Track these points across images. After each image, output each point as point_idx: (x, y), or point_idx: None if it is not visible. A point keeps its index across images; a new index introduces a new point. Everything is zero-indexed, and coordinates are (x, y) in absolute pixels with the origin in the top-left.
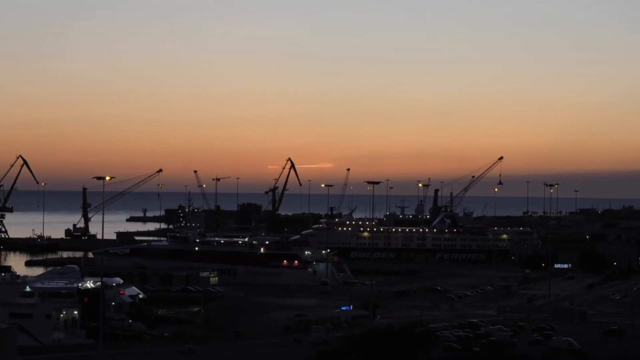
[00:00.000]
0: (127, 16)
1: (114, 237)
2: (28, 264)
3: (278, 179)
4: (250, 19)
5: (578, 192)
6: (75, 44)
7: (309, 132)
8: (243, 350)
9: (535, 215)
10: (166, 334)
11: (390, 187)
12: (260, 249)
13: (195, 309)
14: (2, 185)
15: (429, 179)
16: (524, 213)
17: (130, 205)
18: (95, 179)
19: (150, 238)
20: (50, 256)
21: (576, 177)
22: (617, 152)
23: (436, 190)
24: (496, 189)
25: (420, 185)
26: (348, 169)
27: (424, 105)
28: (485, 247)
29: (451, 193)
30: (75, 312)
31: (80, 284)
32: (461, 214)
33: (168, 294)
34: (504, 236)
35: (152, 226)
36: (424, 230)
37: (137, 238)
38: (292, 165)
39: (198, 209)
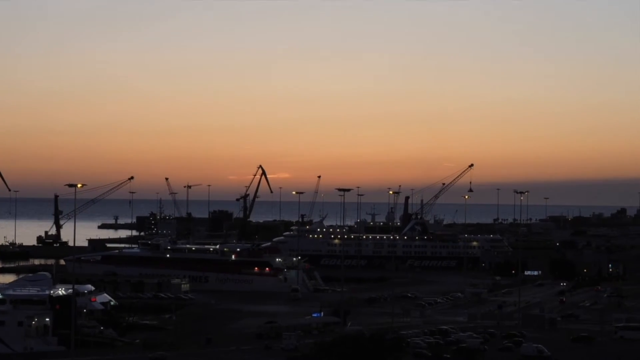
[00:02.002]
0: (100, 22)
1: (85, 244)
2: None
3: (249, 186)
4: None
5: (548, 200)
6: (47, 51)
7: (278, 140)
8: (214, 357)
9: (505, 222)
10: (137, 341)
11: (361, 195)
12: (231, 256)
13: (167, 316)
14: None
15: (400, 186)
16: (494, 220)
17: (102, 212)
18: (67, 186)
19: (122, 245)
20: (21, 263)
21: (546, 185)
22: (587, 160)
23: (407, 198)
24: (466, 197)
25: (390, 192)
26: (319, 177)
27: (395, 113)
28: (455, 254)
29: (422, 200)
30: (47, 319)
31: (52, 291)
32: (432, 221)
33: (139, 301)
34: (475, 243)
35: (123, 233)
36: (394, 238)
37: (108, 245)
38: (263, 173)
39: (169, 216)
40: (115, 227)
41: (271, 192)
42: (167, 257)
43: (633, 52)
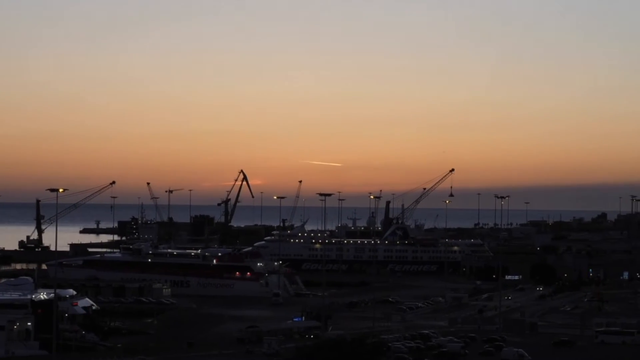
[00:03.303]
0: (79, 27)
1: (67, 248)
2: None
3: (230, 191)
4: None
5: (529, 204)
6: (29, 56)
7: (260, 146)
8: None
9: (486, 227)
10: (119, 345)
11: (342, 200)
12: (212, 261)
13: (148, 320)
14: None
15: (381, 191)
16: (475, 225)
17: (83, 217)
18: (48, 191)
19: (104, 250)
20: (3, 268)
21: (527, 190)
22: (567, 165)
23: (388, 202)
24: (447, 201)
25: (371, 197)
26: (300, 181)
27: (376, 116)
28: (436, 258)
29: (402, 205)
30: (29, 324)
31: (33, 296)
32: (412, 226)
33: (121, 306)
34: (455, 248)
35: (105, 238)
36: (375, 242)
37: (90, 250)
38: (245, 178)
39: (151, 221)
40: (97, 231)
41: (252, 196)
42: (149, 262)
43: (611, 58)
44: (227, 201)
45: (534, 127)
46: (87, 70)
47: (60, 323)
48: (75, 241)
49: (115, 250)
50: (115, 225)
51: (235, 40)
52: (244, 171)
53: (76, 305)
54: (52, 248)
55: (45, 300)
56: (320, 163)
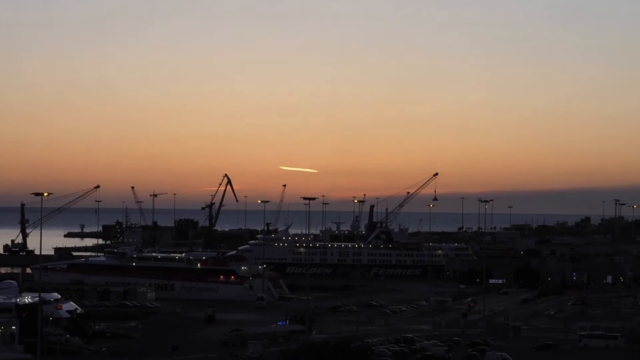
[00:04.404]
0: (63, 31)
1: (51, 252)
2: None
3: (215, 195)
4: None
5: (512, 208)
6: (14, 60)
7: (243, 150)
8: None
9: (469, 231)
10: (104, 349)
11: (326, 203)
12: (197, 265)
13: (133, 324)
14: None
15: (365, 195)
16: (459, 229)
17: (68, 221)
18: (33, 195)
19: (88, 253)
20: None
21: (510, 194)
22: (551, 169)
23: (372, 206)
24: (431, 205)
25: (355, 201)
26: (284, 185)
27: (358, 121)
28: (420, 262)
29: (386, 209)
30: (14, 327)
31: (18, 299)
32: (396, 230)
33: (105, 309)
34: (439, 252)
35: (89, 242)
36: (359, 246)
37: (74, 253)
38: (229, 182)
39: (135, 224)
40: (82, 235)
41: (237, 200)
42: (133, 266)
43: (594, 64)
44: (211, 205)
45: (517, 131)
46: (71, 74)
47: (45, 327)
48: (60, 245)
49: (99, 254)
50: (100, 229)
51: (219, 44)
52: (228, 175)
53: (61, 309)
54: (37, 252)
55: (29, 303)
56: (294, 169)
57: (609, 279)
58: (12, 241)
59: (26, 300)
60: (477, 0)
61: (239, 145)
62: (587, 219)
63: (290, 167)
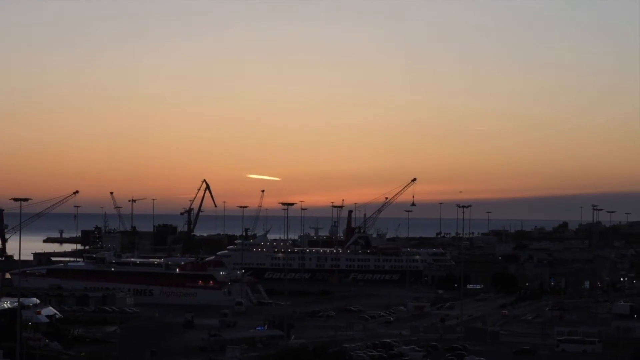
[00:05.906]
0: (42, 38)
1: (31, 257)
2: None
3: (193, 200)
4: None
5: (490, 214)
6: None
7: (224, 156)
8: None
9: (447, 236)
10: (83, 354)
11: (304, 209)
12: (175, 270)
13: (112, 329)
14: None
15: (343, 200)
16: (437, 234)
17: (47, 226)
18: (12, 200)
19: (67, 259)
20: None
21: (488, 199)
22: (529, 175)
23: (350, 212)
24: (409, 211)
25: (333, 206)
26: (262, 190)
27: (336, 127)
28: (398, 267)
29: (365, 214)
30: None
31: None
32: (374, 235)
33: (84, 314)
34: (417, 257)
35: (68, 247)
36: (337, 251)
37: (53, 259)
38: (207, 187)
39: (114, 230)
40: (61, 241)
41: (215, 206)
42: (112, 271)
43: (579, 73)
44: (189, 210)
45: (495, 137)
46: (49, 81)
47: (24, 331)
48: (39, 250)
49: (78, 260)
50: (79, 234)
51: (196, 48)
52: (207, 180)
53: (39, 313)
54: (16, 257)
55: (8, 309)
56: (258, 177)
57: (587, 284)
58: None
59: (5, 305)
60: (468, 5)
61: (217, 150)
62: (564, 225)
63: (257, 174)
